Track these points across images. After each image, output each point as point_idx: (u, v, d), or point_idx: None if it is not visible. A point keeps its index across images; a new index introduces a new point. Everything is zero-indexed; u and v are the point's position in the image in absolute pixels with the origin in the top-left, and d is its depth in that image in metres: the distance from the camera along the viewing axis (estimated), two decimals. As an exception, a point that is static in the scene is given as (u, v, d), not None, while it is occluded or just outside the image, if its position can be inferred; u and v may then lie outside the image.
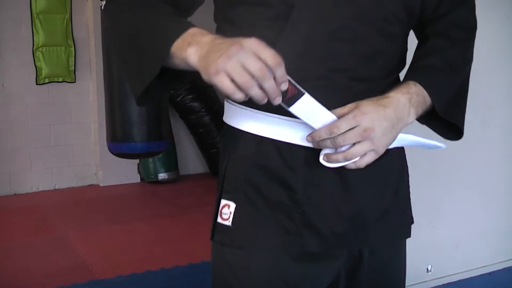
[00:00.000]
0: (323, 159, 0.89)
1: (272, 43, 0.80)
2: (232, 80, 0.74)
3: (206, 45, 0.80)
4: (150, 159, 4.51)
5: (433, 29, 1.01)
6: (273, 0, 0.90)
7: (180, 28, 0.84)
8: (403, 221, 1.05)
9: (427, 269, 2.57)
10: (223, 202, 0.97)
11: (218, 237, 0.97)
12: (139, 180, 4.76)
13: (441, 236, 2.58)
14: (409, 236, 1.06)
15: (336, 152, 0.87)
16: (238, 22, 0.93)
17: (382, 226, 0.99)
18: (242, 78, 0.74)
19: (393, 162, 1.00)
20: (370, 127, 0.86)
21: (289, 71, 0.79)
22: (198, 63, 0.80)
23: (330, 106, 0.86)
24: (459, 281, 2.64)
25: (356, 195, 0.95)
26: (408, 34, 1.00)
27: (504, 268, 2.77)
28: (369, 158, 0.88)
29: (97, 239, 3.35)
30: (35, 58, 4.38)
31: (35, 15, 4.37)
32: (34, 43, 4.38)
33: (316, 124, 0.86)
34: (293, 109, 0.83)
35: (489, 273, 2.73)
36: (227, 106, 0.99)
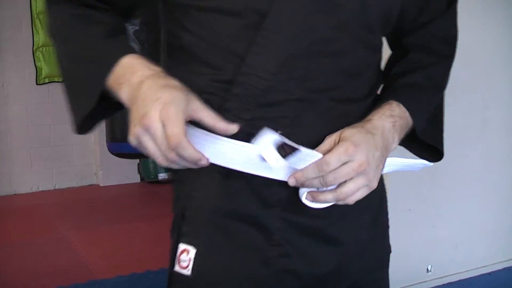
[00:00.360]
0: (306, 198, 0.76)
1: (240, 57, 0.75)
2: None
3: (135, 90, 0.70)
4: (150, 159, 4.49)
5: (412, 40, 0.91)
6: (240, 7, 0.75)
7: (111, 60, 0.74)
8: (382, 251, 0.97)
9: (427, 269, 2.57)
10: (182, 246, 0.81)
11: None
12: (139, 180, 4.76)
13: (441, 236, 2.58)
14: (388, 265, 0.99)
15: (323, 191, 0.75)
16: (197, 31, 0.79)
17: (363, 259, 0.89)
18: (154, 152, 0.69)
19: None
20: (365, 161, 0.74)
21: (263, 92, 0.74)
22: (131, 113, 0.71)
23: (313, 133, 0.77)
24: (459, 281, 2.64)
25: (337, 230, 0.84)
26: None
27: (504, 268, 2.77)
28: (361, 194, 0.76)
29: (97, 239, 3.35)
30: (35, 58, 4.39)
31: (35, 15, 4.38)
32: (34, 43, 4.38)
33: (300, 165, 0.73)
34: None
35: (489, 273, 2.73)
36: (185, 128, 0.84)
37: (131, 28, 2.84)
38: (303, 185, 0.75)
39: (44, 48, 4.41)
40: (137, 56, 0.75)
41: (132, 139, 0.70)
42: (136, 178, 4.76)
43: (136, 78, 0.71)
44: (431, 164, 0.93)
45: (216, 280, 0.80)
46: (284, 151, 0.72)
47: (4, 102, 4.28)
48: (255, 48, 0.75)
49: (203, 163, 0.70)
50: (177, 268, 0.81)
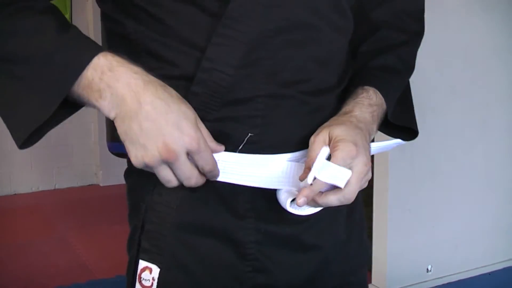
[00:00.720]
0: (291, 206, 0.68)
1: (198, 50, 0.67)
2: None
3: (125, 103, 0.61)
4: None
5: (380, 15, 0.85)
6: None
7: (79, 62, 0.62)
8: (360, 248, 0.89)
9: (427, 269, 2.57)
10: (143, 264, 0.72)
11: None
12: (139, 180, 4.76)
13: (441, 236, 2.58)
14: (366, 264, 0.93)
15: (326, 192, 0.66)
16: (144, 19, 0.68)
17: (342, 260, 0.83)
18: (169, 183, 0.65)
19: None
20: (367, 161, 0.68)
21: (227, 89, 0.67)
22: (116, 123, 0.64)
23: (285, 132, 0.71)
24: (459, 281, 2.63)
25: (314, 235, 0.78)
26: None
27: (504, 268, 2.77)
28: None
29: (97, 239, 3.35)
30: (35, 58, 4.38)
31: (35, 15, 4.37)
32: (34, 43, 4.38)
33: (330, 180, 0.65)
34: None
35: (489, 273, 2.72)
36: None
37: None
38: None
39: (44, 48, 4.41)
40: (108, 54, 0.63)
41: (138, 164, 0.63)
42: (136, 178, 4.76)
43: (123, 88, 0.62)
44: (402, 141, 0.87)
45: None
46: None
47: (4, 102, 4.29)
48: (216, 39, 0.66)
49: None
50: (138, 287, 0.73)
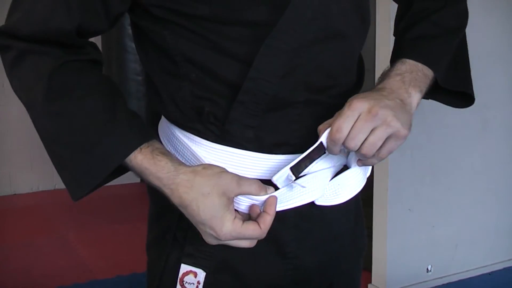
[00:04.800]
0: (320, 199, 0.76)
1: (242, 62, 0.70)
2: None
3: (172, 197, 0.70)
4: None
5: None
6: (244, 19, 0.70)
7: (125, 149, 0.70)
8: (363, 233, 0.94)
9: (427, 269, 2.57)
10: (185, 267, 0.76)
11: None
12: (139, 180, 4.72)
13: (441, 236, 2.58)
14: (365, 249, 0.96)
15: (363, 159, 0.71)
16: (189, 35, 0.72)
17: (351, 244, 0.89)
18: (250, 243, 0.72)
19: None
20: (373, 106, 0.67)
21: (270, 97, 0.71)
22: (183, 209, 0.71)
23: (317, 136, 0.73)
24: (459, 281, 2.63)
25: (337, 223, 0.83)
26: None
27: (504, 268, 2.77)
28: (390, 146, 0.69)
29: (97, 239, 3.35)
30: (35, 58, 4.38)
31: (35, 15, 4.37)
32: (34, 43, 4.37)
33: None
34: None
35: (489, 273, 2.72)
36: (177, 134, 0.78)
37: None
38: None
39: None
40: (141, 156, 0.71)
41: (212, 243, 0.71)
42: (136, 178, 4.70)
43: (165, 181, 0.70)
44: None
45: None
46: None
47: (4, 102, 4.28)
48: (263, 50, 0.70)
49: None
50: None
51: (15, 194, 4.42)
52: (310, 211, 0.77)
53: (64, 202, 4.23)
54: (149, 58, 0.78)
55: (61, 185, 3.64)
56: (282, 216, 0.75)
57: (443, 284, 2.60)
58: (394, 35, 0.87)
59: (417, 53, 0.79)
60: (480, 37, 2.50)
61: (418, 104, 0.76)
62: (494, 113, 2.64)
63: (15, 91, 0.74)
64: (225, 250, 0.74)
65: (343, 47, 0.76)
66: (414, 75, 0.76)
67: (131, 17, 0.78)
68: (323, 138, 0.69)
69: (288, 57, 0.71)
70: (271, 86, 0.71)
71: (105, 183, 0.76)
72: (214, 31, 0.70)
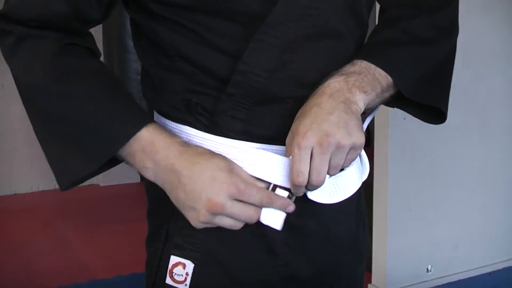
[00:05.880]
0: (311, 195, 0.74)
1: (231, 55, 0.71)
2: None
3: (166, 172, 0.69)
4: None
5: None
6: (235, 10, 0.70)
7: (124, 131, 0.70)
8: (365, 238, 0.93)
9: (427, 269, 2.57)
10: (174, 259, 0.75)
11: None
12: (139, 180, 4.75)
13: (441, 236, 2.58)
14: (367, 253, 0.95)
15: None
16: (178, 28, 0.72)
17: (353, 249, 0.87)
18: (236, 226, 0.70)
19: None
20: (321, 136, 0.67)
21: (259, 91, 0.71)
22: (168, 194, 0.71)
23: None
24: (459, 281, 2.63)
25: (333, 225, 0.82)
26: None
27: (504, 268, 2.77)
28: (352, 157, 0.70)
29: (97, 239, 3.35)
30: (35, 58, 4.38)
31: (35, 15, 4.37)
32: (34, 43, 4.37)
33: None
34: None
35: (489, 273, 2.73)
36: (170, 125, 0.77)
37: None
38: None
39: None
40: (150, 127, 0.71)
41: (197, 225, 0.70)
42: (136, 178, 4.75)
43: (162, 160, 0.69)
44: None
45: None
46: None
47: (4, 102, 4.28)
48: (253, 44, 0.71)
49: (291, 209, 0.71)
50: (169, 281, 0.76)
51: (15, 194, 4.42)
52: (301, 206, 0.75)
53: (64, 202, 4.23)
54: (145, 53, 0.79)
55: (61, 185, 3.50)
56: None
57: (443, 284, 2.60)
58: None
59: (375, 56, 0.75)
60: (480, 37, 2.51)
61: (366, 105, 0.73)
62: (494, 113, 2.64)
63: (14, 73, 0.74)
64: (213, 242, 0.75)
65: (338, 45, 0.76)
66: (362, 77, 0.73)
67: (128, 13, 0.79)
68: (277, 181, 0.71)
69: (278, 52, 0.71)
70: (260, 80, 0.71)
71: (100, 172, 0.77)
72: (206, 26, 0.71)
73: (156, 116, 0.81)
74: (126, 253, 3.09)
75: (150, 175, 0.71)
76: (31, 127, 0.77)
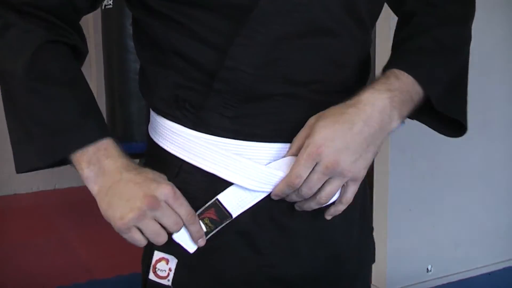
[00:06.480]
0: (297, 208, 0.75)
1: (220, 51, 0.70)
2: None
3: (109, 175, 0.69)
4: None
5: (410, 7, 0.83)
6: (221, 3, 0.69)
7: (86, 139, 0.70)
8: (369, 246, 0.93)
9: (427, 269, 2.57)
10: (158, 254, 0.76)
11: None
12: (139, 180, 4.75)
13: (441, 236, 2.58)
14: (372, 261, 0.96)
15: (307, 200, 0.72)
16: (168, 22, 0.73)
17: (354, 258, 0.86)
18: (157, 237, 0.70)
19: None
20: (332, 161, 0.68)
21: (247, 87, 0.71)
22: (98, 198, 0.72)
23: (300, 128, 0.73)
24: (459, 281, 2.63)
25: (325, 231, 0.80)
26: None
27: (504, 268, 2.77)
28: (352, 189, 0.72)
29: (97, 239, 3.35)
30: (35, 58, 4.37)
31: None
32: (34, 43, 4.37)
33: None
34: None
35: (489, 273, 2.72)
36: (160, 122, 0.78)
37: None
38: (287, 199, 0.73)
39: (44, 48, 4.40)
40: (106, 142, 0.71)
41: (121, 228, 0.70)
42: (136, 178, 4.76)
43: (109, 163, 0.70)
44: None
45: None
46: None
47: (4, 102, 4.29)
48: (238, 40, 0.69)
49: (201, 244, 0.73)
50: (152, 276, 0.77)
51: (15, 194, 4.41)
52: (291, 207, 0.74)
53: (64, 202, 4.23)
54: (143, 50, 0.79)
55: (61, 185, 3.65)
56: (253, 209, 0.74)
57: (443, 284, 2.60)
58: (392, 47, 0.83)
59: (414, 69, 0.74)
60: (480, 37, 2.50)
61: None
62: (494, 113, 2.64)
63: None
64: None
65: (331, 44, 0.74)
66: (404, 96, 0.72)
67: (129, 9, 0.80)
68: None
69: (266, 49, 0.70)
70: (247, 76, 0.70)
71: (55, 166, 0.76)
72: (197, 20, 0.71)
73: (152, 113, 0.81)
74: (126, 253, 3.08)
75: (90, 178, 0.72)
76: (31, 127, 0.77)
